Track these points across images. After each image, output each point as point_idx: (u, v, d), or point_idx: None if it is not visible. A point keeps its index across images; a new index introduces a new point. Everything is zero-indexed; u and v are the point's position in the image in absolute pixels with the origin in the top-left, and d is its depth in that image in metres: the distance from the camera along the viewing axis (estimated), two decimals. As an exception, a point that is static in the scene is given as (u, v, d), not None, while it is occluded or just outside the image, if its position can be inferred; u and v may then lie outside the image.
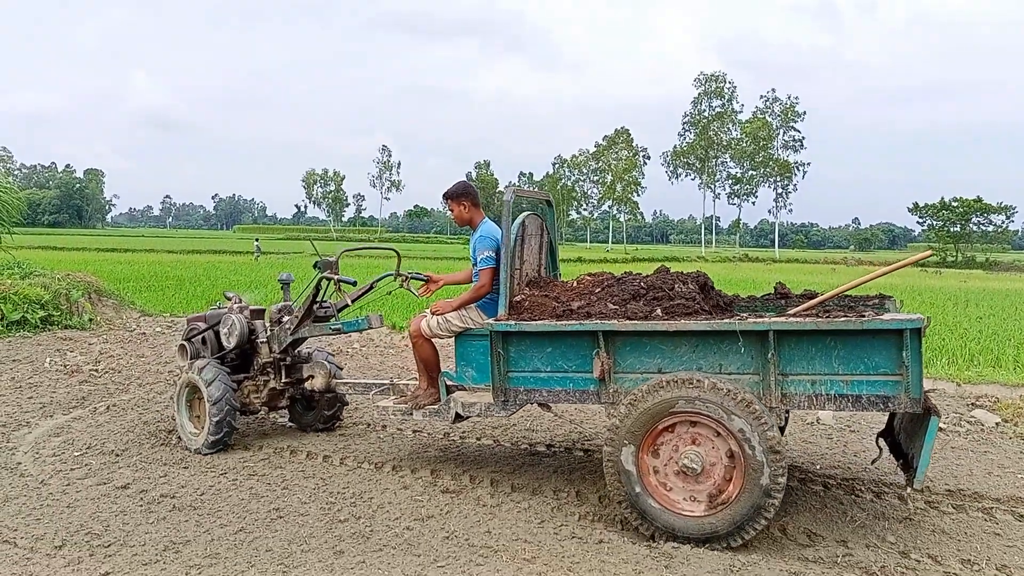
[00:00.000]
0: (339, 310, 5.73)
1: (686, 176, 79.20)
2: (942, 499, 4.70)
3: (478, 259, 4.84)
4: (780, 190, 76.05)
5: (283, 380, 5.80)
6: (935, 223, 72.32)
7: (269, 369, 5.80)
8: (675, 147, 78.16)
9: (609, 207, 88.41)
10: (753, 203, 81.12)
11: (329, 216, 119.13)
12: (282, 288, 6.22)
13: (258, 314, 5.94)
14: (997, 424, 6.56)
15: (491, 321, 4.46)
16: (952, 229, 70.77)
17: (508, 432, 6.19)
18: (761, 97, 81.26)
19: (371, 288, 5.65)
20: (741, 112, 76.87)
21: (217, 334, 5.85)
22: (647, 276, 4.82)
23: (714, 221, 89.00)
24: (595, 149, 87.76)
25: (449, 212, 5.15)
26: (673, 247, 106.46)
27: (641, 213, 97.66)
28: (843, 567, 3.75)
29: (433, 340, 4.95)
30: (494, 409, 4.58)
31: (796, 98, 77.60)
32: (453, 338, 4.86)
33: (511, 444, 5.87)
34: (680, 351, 4.08)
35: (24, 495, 4.63)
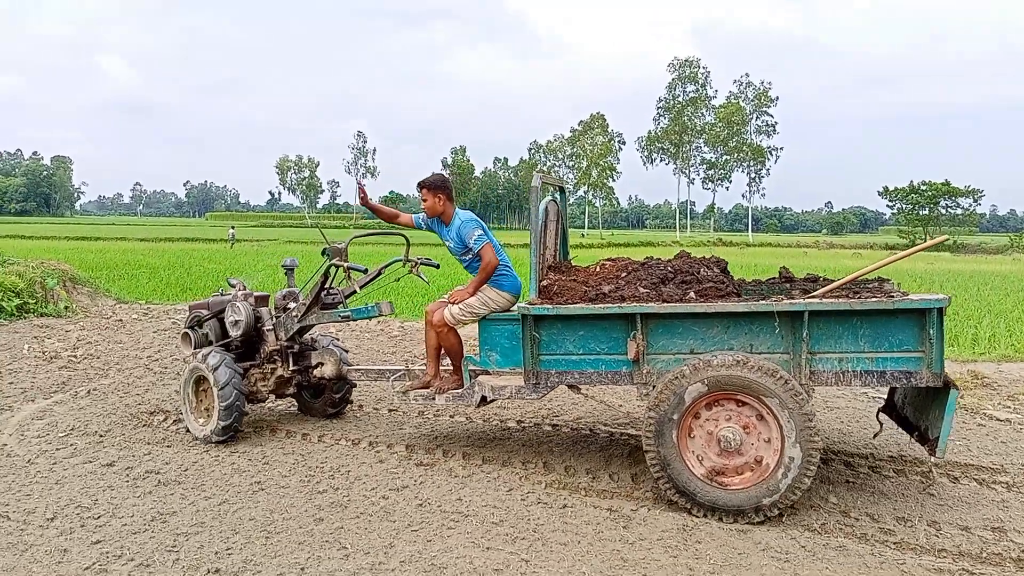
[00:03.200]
0: (346, 296, 5.69)
1: (661, 161, 79.81)
2: (884, 464, 5.03)
3: (471, 240, 4.92)
4: (753, 175, 76.95)
5: (291, 368, 5.72)
6: (904, 207, 73.65)
7: (276, 357, 5.71)
8: (650, 132, 78.72)
9: (585, 192, 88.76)
10: (727, 188, 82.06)
11: (304, 203, 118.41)
12: (286, 274, 6.10)
13: (263, 301, 5.90)
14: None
15: (527, 305, 4.46)
16: (921, 212, 72.14)
17: (480, 409, 6.45)
18: (735, 82, 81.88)
19: (379, 274, 5.60)
20: (715, 97, 77.54)
21: (222, 322, 5.80)
22: (671, 261, 5.05)
23: (689, 206, 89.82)
24: (570, 134, 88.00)
25: (422, 200, 5.13)
26: (649, 232, 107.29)
27: (616, 198, 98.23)
28: (787, 526, 4.05)
29: (457, 328, 4.99)
30: (525, 392, 4.61)
31: (769, 83, 78.49)
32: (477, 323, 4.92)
33: (483, 421, 6.13)
34: (712, 332, 4.26)
35: (12, 474, 4.80)
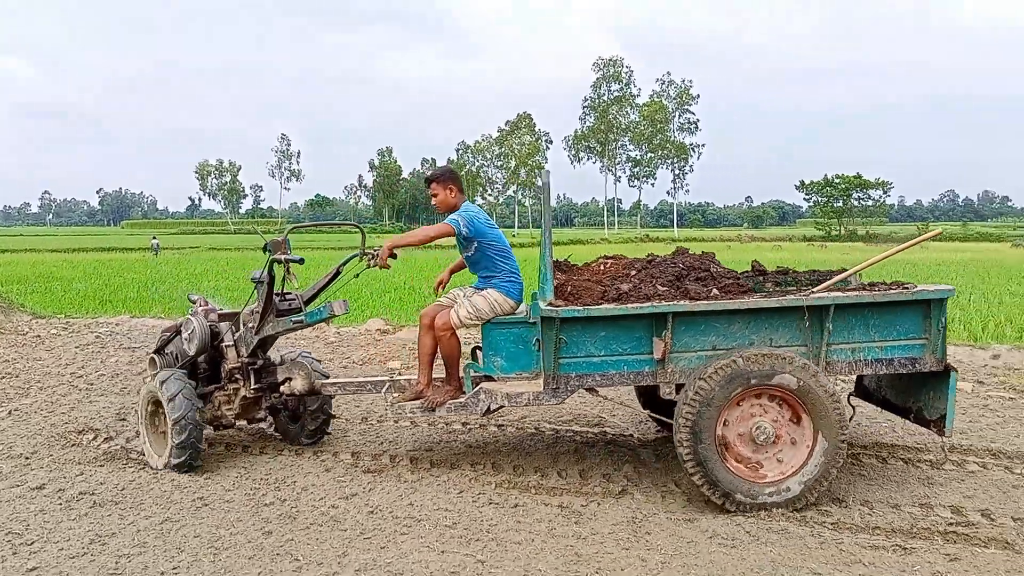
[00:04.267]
0: (306, 302, 5.19)
1: (588, 160, 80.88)
2: (817, 448, 5.25)
3: (447, 219, 4.71)
4: (677, 172, 78.80)
5: (253, 386, 5.20)
6: (820, 199, 76.73)
7: (238, 375, 5.23)
8: (576, 131, 79.60)
9: (514, 192, 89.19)
10: (652, 185, 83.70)
11: (226, 208, 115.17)
12: (255, 287, 5.43)
13: (228, 317, 5.40)
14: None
15: (551, 307, 4.27)
16: (835, 204, 75.31)
17: (425, 414, 6.41)
18: (657, 80, 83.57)
19: (337, 274, 5.13)
20: (639, 96, 78.98)
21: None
22: (674, 258, 5.06)
23: (616, 203, 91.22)
24: (498, 134, 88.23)
25: (432, 197, 4.89)
26: (578, 230, 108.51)
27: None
28: (733, 514, 4.19)
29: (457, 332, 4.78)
30: (544, 398, 4.44)
31: (690, 81, 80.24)
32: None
33: (428, 425, 6.11)
34: (734, 328, 4.29)
35: (-68, 503, 4.54)
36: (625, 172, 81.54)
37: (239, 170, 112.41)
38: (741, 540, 3.84)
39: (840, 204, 75.01)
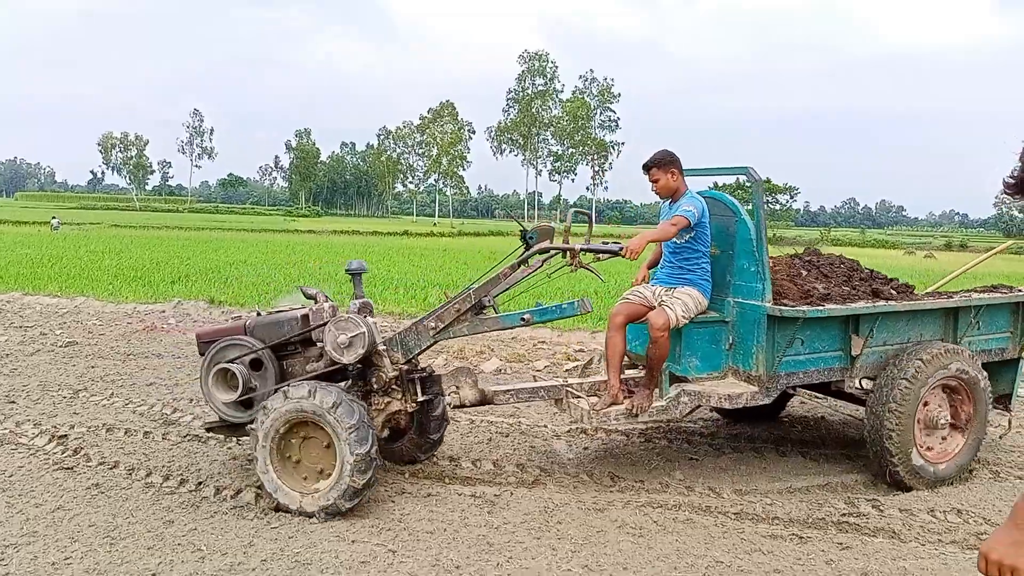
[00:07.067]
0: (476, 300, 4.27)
1: (510, 152, 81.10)
2: (723, 443, 5.44)
3: (682, 209, 4.46)
4: (597, 168, 79.96)
5: (418, 399, 4.38)
6: (732, 202, 79.30)
7: (395, 386, 4.34)
8: (500, 123, 79.68)
9: (435, 180, 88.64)
10: (573, 180, 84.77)
11: (131, 184, 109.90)
12: (352, 279, 4.73)
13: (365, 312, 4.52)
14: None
15: (788, 307, 4.31)
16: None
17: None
18: (580, 77, 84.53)
19: (517, 266, 4.33)
20: (562, 92, 79.69)
21: (278, 353, 4.38)
22: (827, 258, 5.42)
23: (537, 197, 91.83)
24: (420, 122, 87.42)
25: (653, 183, 4.63)
26: (499, 221, 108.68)
27: (467, 187, 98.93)
28: (641, 504, 4.29)
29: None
30: (759, 397, 4.46)
31: (612, 80, 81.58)
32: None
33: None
34: (899, 325, 4.69)
35: None
36: (546, 166, 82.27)
37: (146, 144, 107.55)
38: (649, 529, 3.94)
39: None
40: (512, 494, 4.36)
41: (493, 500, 4.25)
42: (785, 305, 4.38)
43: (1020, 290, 5.23)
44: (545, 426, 5.74)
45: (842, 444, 5.44)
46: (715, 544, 3.79)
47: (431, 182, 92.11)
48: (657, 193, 4.72)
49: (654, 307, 4.53)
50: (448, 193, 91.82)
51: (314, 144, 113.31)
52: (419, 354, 4.42)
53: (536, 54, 78.82)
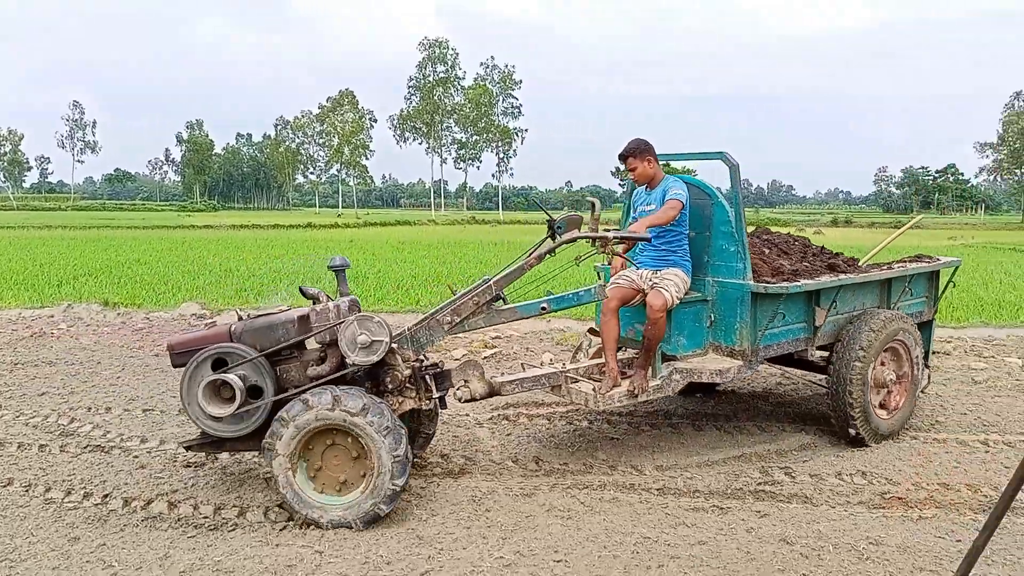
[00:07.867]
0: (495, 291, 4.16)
1: (414, 140, 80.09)
2: (641, 420, 5.56)
3: (671, 194, 4.52)
4: (502, 155, 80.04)
5: (433, 395, 4.20)
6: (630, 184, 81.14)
7: (409, 384, 4.15)
8: (402, 111, 78.51)
9: (338, 171, 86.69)
10: (478, 167, 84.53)
11: (6, 182, 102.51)
12: (337, 275, 4.38)
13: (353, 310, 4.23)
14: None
15: (771, 284, 4.58)
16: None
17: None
18: (481, 64, 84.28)
19: (540, 258, 4.22)
20: (464, 79, 79.25)
21: (277, 356, 4.08)
22: (780, 236, 5.81)
23: (442, 185, 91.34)
24: (319, 111, 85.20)
25: (629, 172, 4.71)
26: (404, 211, 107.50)
27: (371, 177, 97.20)
28: (568, 487, 4.34)
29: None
30: (744, 371, 4.73)
31: (513, 67, 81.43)
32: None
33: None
34: (848, 295, 5.08)
35: None
36: (451, 154, 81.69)
37: (21, 139, 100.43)
38: (576, 511, 3.98)
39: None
40: (438, 485, 4.32)
41: (420, 492, 4.20)
42: (761, 282, 4.62)
43: (939, 259, 5.88)
44: (467, 414, 5.71)
45: (753, 415, 5.66)
46: (641, 521, 3.87)
47: (333, 172, 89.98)
48: (634, 181, 4.84)
49: (643, 290, 4.64)
50: (351, 183, 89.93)
51: (207, 136, 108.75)
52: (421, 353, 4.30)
53: (436, 41, 77.96)
